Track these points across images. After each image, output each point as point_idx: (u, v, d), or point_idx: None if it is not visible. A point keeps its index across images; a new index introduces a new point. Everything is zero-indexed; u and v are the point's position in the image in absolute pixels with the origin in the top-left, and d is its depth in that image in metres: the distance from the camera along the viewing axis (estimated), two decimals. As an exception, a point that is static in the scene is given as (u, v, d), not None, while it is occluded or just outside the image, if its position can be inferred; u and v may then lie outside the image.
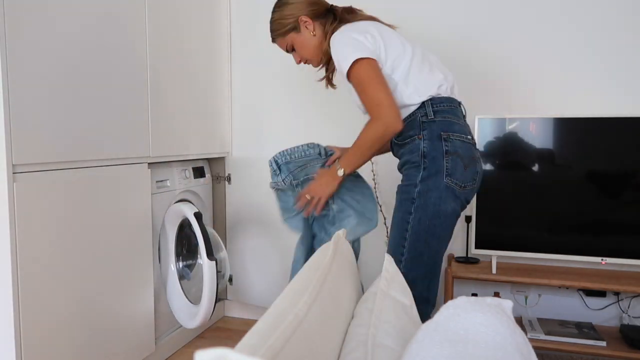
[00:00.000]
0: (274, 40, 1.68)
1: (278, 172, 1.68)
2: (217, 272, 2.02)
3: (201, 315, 2.02)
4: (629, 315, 2.14)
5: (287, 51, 1.67)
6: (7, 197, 1.37)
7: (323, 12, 1.62)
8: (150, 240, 1.99)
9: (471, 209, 2.14)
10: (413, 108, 1.49)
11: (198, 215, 2.03)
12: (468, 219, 2.21)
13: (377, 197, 2.42)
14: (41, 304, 1.49)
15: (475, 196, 2.10)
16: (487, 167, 2.11)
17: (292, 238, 2.28)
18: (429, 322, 0.77)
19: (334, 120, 2.44)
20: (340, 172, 1.54)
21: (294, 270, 1.65)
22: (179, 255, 2.22)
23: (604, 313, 2.19)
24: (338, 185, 1.58)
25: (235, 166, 2.60)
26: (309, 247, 1.69)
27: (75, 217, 1.61)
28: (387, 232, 2.33)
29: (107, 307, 1.76)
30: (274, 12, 1.64)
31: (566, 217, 2.04)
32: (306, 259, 1.63)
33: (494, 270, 2.08)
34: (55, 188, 1.53)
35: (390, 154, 1.70)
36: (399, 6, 2.36)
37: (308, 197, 1.60)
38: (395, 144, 1.56)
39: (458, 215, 1.48)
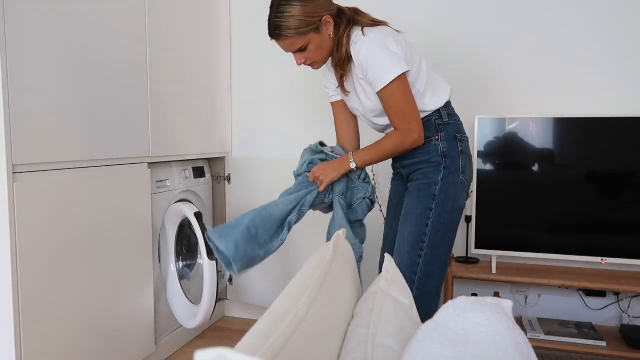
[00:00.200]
0: (282, 38, 1.46)
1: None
2: (217, 272, 2.02)
3: (201, 315, 2.02)
4: (629, 315, 2.14)
5: (295, 51, 1.51)
6: (7, 197, 1.37)
7: (336, 12, 1.53)
8: (150, 240, 1.99)
9: (471, 209, 2.14)
10: (428, 113, 1.55)
11: (198, 215, 2.03)
12: (468, 219, 2.20)
13: (377, 197, 2.41)
14: (41, 304, 1.49)
15: (475, 196, 2.10)
16: (487, 167, 2.11)
17: (292, 238, 2.28)
18: (429, 322, 0.77)
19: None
20: (353, 165, 1.59)
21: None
22: (179, 255, 2.22)
23: (604, 313, 2.19)
24: (343, 175, 1.62)
25: (235, 166, 2.60)
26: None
27: (75, 217, 1.61)
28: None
29: (107, 307, 1.76)
30: (288, 5, 1.42)
31: (566, 217, 2.04)
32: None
33: (494, 270, 2.08)
34: (55, 188, 1.53)
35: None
36: (399, 6, 2.36)
37: (314, 176, 1.63)
38: None
39: None
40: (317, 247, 2.19)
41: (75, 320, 1.62)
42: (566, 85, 2.19)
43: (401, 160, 1.63)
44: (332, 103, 1.75)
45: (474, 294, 2.34)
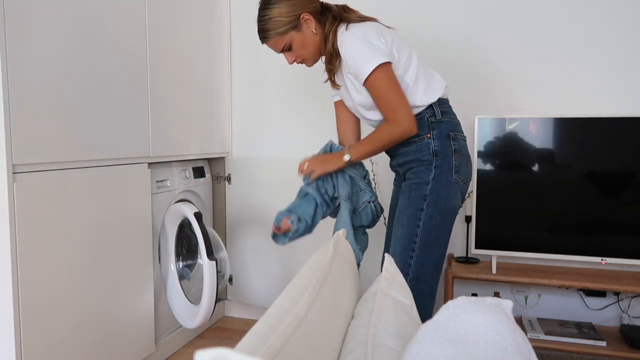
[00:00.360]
0: (266, 40, 1.56)
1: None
2: (217, 272, 2.02)
3: (201, 315, 2.02)
4: (629, 315, 2.14)
5: (281, 51, 1.59)
6: (7, 197, 1.37)
7: (320, 9, 1.58)
8: (150, 240, 1.99)
9: (471, 209, 2.14)
10: (421, 109, 1.54)
11: (198, 215, 2.03)
12: (468, 219, 2.20)
13: (377, 197, 2.41)
14: (41, 304, 1.49)
15: (475, 196, 2.10)
16: (487, 167, 2.11)
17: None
18: (429, 322, 0.77)
19: (334, 119, 2.44)
20: (347, 157, 1.57)
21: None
22: (179, 255, 2.22)
23: (604, 313, 2.19)
24: (337, 169, 1.61)
25: (235, 166, 2.60)
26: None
27: (75, 217, 1.61)
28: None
29: (107, 307, 1.76)
30: (267, 9, 1.52)
31: (566, 217, 2.04)
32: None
33: (494, 270, 2.08)
34: (55, 188, 1.53)
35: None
36: (399, 6, 2.36)
37: (305, 166, 1.62)
38: (399, 143, 1.58)
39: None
40: (317, 247, 2.19)
41: (75, 320, 1.62)
42: (566, 85, 2.19)
43: (396, 158, 1.63)
44: (334, 102, 1.77)
45: (474, 294, 2.34)
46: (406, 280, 1.48)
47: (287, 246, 2.45)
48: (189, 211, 2.04)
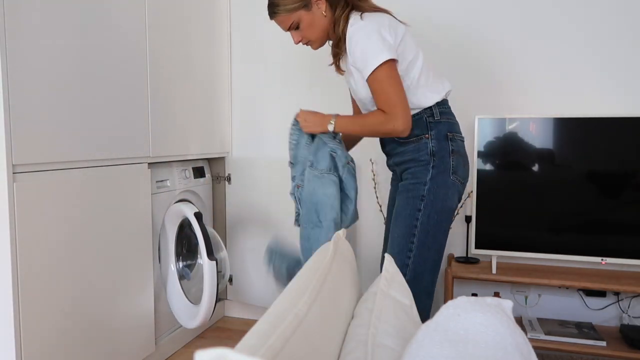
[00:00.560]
0: (274, 16, 1.55)
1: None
2: (217, 272, 2.02)
3: (201, 315, 2.02)
4: (629, 315, 2.14)
5: (288, 29, 1.57)
6: (7, 197, 1.37)
7: None
8: (150, 240, 1.99)
9: (471, 209, 2.14)
10: (417, 110, 1.54)
11: (198, 215, 2.03)
12: (468, 219, 2.20)
13: (377, 198, 2.42)
14: (41, 304, 1.49)
15: (475, 196, 2.10)
16: (487, 167, 2.11)
17: (292, 238, 2.28)
18: (429, 322, 0.77)
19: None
20: (330, 127, 1.57)
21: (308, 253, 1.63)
22: (179, 255, 2.22)
23: (604, 313, 2.19)
24: (318, 132, 1.60)
25: (235, 166, 2.60)
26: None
27: (75, 217, 1.61)
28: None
29: (107, 307, 1.76)
30: None
31: (566, 217, 2.04)
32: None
33: (494, 270, 2.08)
34: (55, 188, 1.53)
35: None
36: (399, 6, 2.36)
37: (298, 119, 1.64)
38: (395, 142, 1.58)
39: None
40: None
41: (75, 320, 1.62)
42: (566, 85, 2.19)
43: (393, 158, 1.63)
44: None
45: (474, 294, 2.34)
46: None
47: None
48: (189, 211, 2.04)
